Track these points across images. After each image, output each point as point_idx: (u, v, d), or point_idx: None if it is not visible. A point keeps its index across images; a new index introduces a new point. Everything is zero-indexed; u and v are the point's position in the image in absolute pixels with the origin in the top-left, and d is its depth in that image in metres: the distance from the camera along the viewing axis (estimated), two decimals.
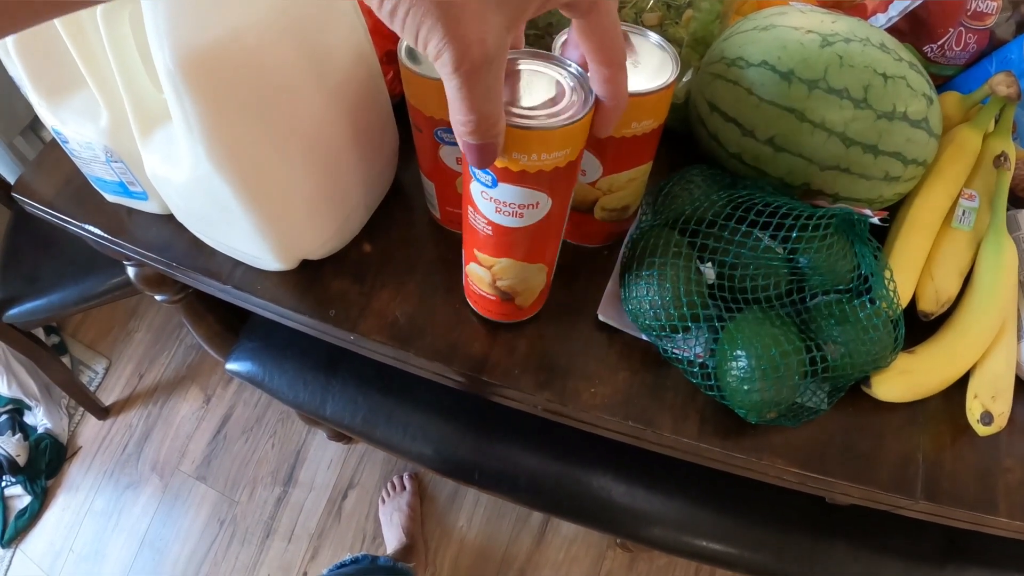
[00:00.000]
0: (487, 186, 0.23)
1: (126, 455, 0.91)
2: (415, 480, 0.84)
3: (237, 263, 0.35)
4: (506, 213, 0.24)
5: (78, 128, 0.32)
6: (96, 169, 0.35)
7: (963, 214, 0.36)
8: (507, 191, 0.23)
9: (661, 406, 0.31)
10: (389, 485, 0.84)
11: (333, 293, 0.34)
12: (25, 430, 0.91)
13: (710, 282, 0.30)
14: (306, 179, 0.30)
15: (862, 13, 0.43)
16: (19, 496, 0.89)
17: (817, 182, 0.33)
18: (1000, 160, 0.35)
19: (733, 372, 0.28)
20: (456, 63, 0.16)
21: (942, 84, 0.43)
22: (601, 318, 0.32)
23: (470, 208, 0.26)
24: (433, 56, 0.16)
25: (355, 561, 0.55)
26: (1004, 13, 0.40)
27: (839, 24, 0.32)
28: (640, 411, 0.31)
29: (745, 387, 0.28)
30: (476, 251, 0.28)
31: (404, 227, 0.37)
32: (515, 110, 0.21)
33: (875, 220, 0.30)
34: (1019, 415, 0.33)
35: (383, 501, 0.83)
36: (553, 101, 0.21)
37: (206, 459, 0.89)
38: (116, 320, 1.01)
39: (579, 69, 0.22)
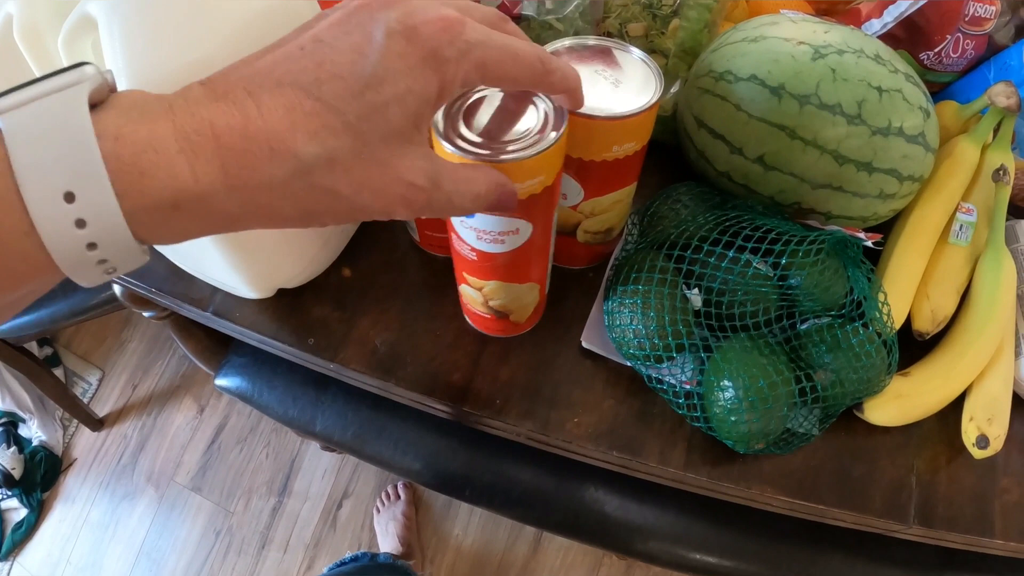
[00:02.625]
0: (466, 216, 0.23)
1: (121, 466, 0.91)
2: (410, 489, 0.84)
3: (216, 289, 0.35)
4: (488, 240, 0.24)
5: None
6: None
7: (960, 229, 0.35)
8: (485, 220, 0.23)
9: (647, 435, 0.31)
10: (383, 494, 0.84)
11: (313, 320, 0.34)
12: (20, 443, 0.91)
13: (696, 308, 0.29)
14: None
15: (856, 19, 0.42)
16: (15, 509, 0.89)
17: (809, 201, 0.31)
18: (999, 174, 0.34)
19: (720, 403, 0.27)
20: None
21: (939, 91, 0.42)
22: (585, 345, 0.31)
23: (454, 235, 0.25)
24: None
25: (355, 559, 0.56)
26: (1003, 17, 0.39)
27: (832, 35, 0.31)
28: (626, 441, 0.30)
29: (732, 418, 0.27)
30: (465, 274, 0.27)
31: (386, 250, 0.36)
32: (485, 142, 0.20)
33: (868, 243, 0.29)
34: (1017, 432, 0.33)
35: (378, 511, 0.83)
36: (524, 128, 0.20)
37: (201, 469, 0.89)
38: (109, 330, 1.00)
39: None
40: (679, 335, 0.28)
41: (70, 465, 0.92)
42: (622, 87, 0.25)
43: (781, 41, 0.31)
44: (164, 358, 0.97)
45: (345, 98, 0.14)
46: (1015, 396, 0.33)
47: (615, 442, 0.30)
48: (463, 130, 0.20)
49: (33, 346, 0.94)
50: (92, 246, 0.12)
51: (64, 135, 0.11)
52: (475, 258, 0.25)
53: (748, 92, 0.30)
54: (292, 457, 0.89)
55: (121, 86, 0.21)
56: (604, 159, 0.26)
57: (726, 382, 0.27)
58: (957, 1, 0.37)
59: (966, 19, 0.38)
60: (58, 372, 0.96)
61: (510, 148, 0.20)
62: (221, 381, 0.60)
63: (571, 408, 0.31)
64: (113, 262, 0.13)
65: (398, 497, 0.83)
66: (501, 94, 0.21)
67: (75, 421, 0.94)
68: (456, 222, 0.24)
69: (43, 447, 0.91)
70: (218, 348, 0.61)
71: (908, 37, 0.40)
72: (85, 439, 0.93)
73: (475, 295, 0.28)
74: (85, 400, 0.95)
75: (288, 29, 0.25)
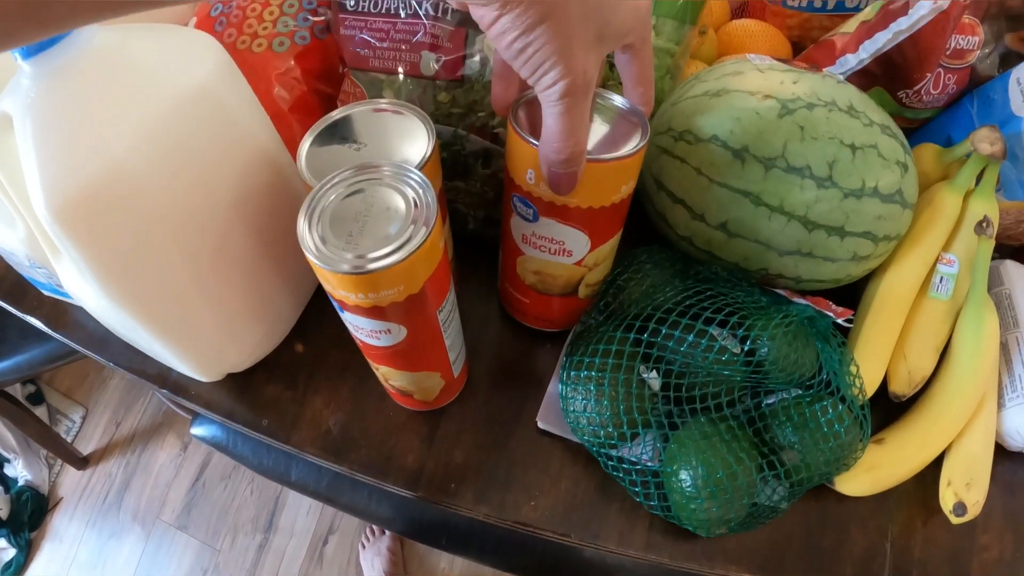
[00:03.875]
0: (339, 311, 0.22)
1: (107, 504, 0.90)
2: None
3: (171, 367, 0.33)
4: (364, 334, 0.23)
5: None
6: (26, 270, 0.34)
7: (940, 282, 0.33)
8: (354, 319, 0.22)
9: (607, 514, 0.29)
10: (368, 529, 0.83)
11: (266, 399, 0.32)
12: (6, 483, 0.90)
13: (654, 391, 0.27)
14: (216, 299, 0.27)
15: (830, 52, 0.40)
16: (3, 549, 0.88)
17: (776, 267, 0.30)
18: (982, 227, 0.32)
19: (678, 491, 0.26)
20: (565, 90, 0.19)
21: (917, 128, 0.40)
22: (541, 426, 0.30)
23: None
24: (547, 85, 0.19)
25: None
26: (986, 48, 0.37)
27: (801, 85, 0.29)
28: (584, 523, 0.29)
29: (692, 506, 0.26)
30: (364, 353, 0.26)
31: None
32: (343, 251, 0.19)
33: (840, 321, 0.27)
34: (996, 486, 0.31)
35: (363, 546, 0.82)
36: (381, 237, 0.19)
37: (186, 507, 0.88)
38: (92, 366, 0.99)
39: (422, 179, 0.20)
40: (635, 424, 0.26)
41: (56, 504, 0.91)
42: (604, 128, 0.24)
43: (745, 95, 0.29)
44: (146, 395, 0.96)
45: None
46: (997, 447, 0.32)
47: (573, 525, 0.29)
48: (319, 232, 0.19)
49: (17, 384, 0.93)
50: None
51: None
52: (360, 344, 0.25)
53: (709, 155, 0.29)
54: (276, 493, 0.88)
55: (34, 186, 0.20)
56: (612, 202, 0.24)
57: (683, 472, 0.26)
58: (938, 37, 0.35)
59: (947, 53, 0.36)
60: (42, 410, 0.95)
61: (358, 258, 0.19)
62: (197, 430, 0.59)
63: (527, 490, 0.29)
64: None
65: (383, 532, 0.82)
66: (378, 184, 0.20)
67: (60, 460, 0.93)
68: (338, 311, 0.23)
69: (29, 487, 0.90)
70: None
71: (885, 74, 0.38)
72: (71, 478, 0.93)
73: (377, 373, 0.28)
74: (69, 438, 0.94)
75: (202, 128, 0.24)
